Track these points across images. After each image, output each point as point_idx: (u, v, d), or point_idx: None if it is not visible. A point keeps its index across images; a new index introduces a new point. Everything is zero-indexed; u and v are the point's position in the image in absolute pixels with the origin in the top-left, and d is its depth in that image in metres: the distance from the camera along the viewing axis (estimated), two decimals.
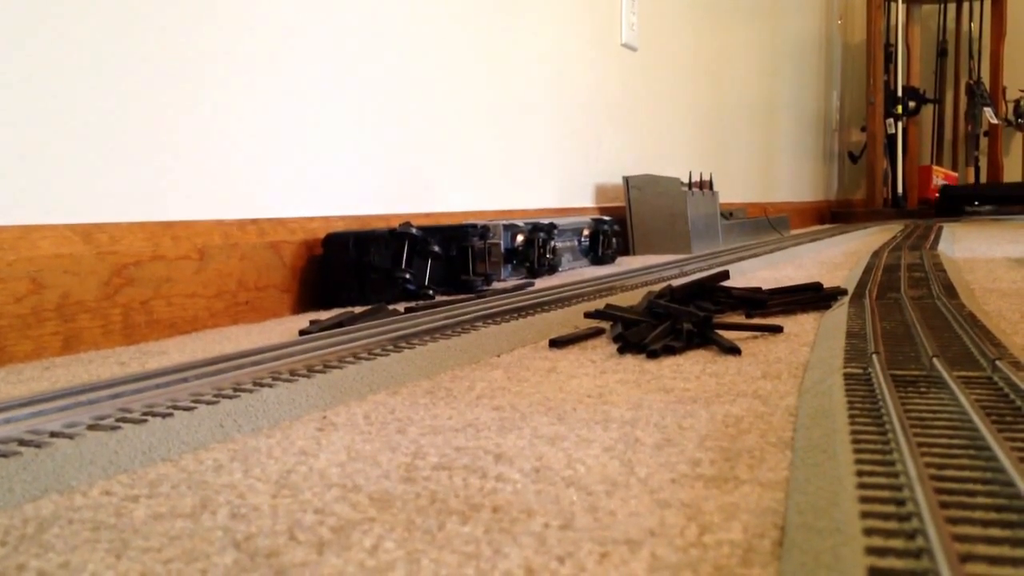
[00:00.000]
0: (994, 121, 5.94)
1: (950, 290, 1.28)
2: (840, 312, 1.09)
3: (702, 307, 1.14)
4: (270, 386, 0.71)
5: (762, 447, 0.59)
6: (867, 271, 1.60)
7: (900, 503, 0.41)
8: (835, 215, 5.83)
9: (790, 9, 5.11)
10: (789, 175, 4.98)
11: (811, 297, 1.27)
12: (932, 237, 2.90)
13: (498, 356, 0.95)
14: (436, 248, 1.46)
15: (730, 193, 3.72)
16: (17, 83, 1.03)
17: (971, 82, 6.10)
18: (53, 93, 1.07)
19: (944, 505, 0.41)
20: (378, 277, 1.42)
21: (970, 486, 0.44)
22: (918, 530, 0.38)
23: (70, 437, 0.57)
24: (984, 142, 6.10)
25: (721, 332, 0.99)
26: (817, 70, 5.78)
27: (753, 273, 1.87)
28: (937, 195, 5.70)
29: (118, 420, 0.61)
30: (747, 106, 4.28)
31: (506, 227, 1.74)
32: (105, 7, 1.13)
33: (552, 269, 1.90)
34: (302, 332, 1.09)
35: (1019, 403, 0.59)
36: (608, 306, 1.12)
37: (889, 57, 6.01)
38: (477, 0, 2.02)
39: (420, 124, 1.80)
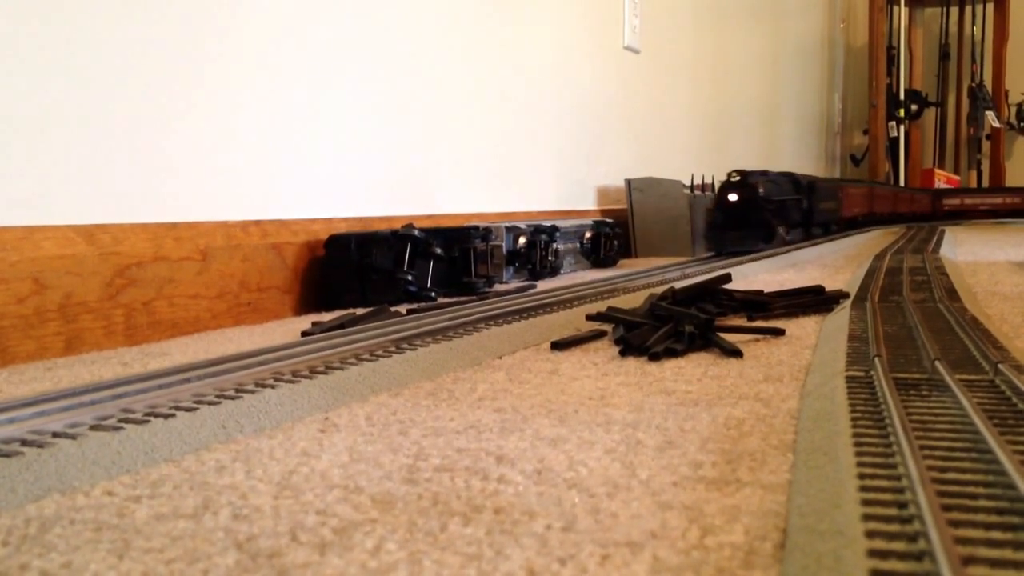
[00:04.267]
0: (996, 124, 5.94)
1: (952, 293, 1.28)
2: (842, 315, 1.09)
3: (704, 310, 1.14)
4: (272, 387, 0.71)
5: (764, 450, 0.59)
6: (869, 274, 1.60)
7: (902, 506, 0.41)
8: None
9: (792, 12, 5.12)
10: None
11: (813, 300, 1.27)
12: (934, 240, 2.89)
13: (500, 358, 0.95)
14: (438, 250, 1.46)
15: None
16: (19, 84, 1.03)
17: (973, 85, 6.10)
18: (56, 94, 1.07)
19: (946, 508, 0.41)
20: (380, 278, 1.42)
21: (972, 489, 0.44)
22: (920, 533, 0.38)
23: (72, 437, 0.57)
24: (986, 145, 6.10)
25: (723, 335, 0.99)
26: (819, 73, 5.78)
27: (755, 276, 1.87)
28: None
29: (120, 420, 0.61)
30: (749, 108, 4.28)
31: (508, 229, 1.74)
32: (107, 8, 1.13)
33: (554, 271, 1.90)
34: (304, 333, 1.09)
35: (1021, 406, 0.59)
36: (610, 308, 1.12)
37: (891, 60, 6.01)
38: (479, 3, 2.02)
39: (422, 126, 1.81)
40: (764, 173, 2.34)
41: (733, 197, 2.19)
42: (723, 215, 2.21)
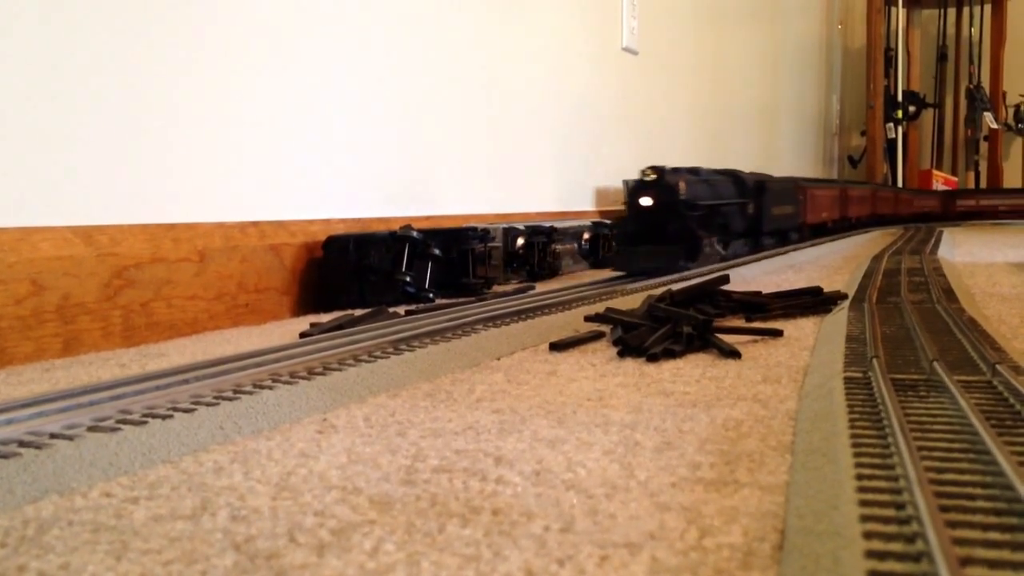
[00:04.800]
0: (994, 126, 5.95)
1: (950, 294, 1.28)
2: (840, 316, 1.09)
3: (702, 311, 1.14)
4: (270, 388, 0.71)
5: (762, 451, 0.59)
6: (867, 276, 1.60)
7: (900, 507, 0.41)
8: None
9: (791, 13, 5.12)
10: None
11: (811, 301, 1.27)
12: (932, 241, 2.90)
13: (498, 359, 0.95)
14: (436, 251, 1.46)
15: None
16: (18, 85, 1.03)
17: (971, 87, 6.11)
18: (54, 96, 1.07)
19: (944, 509, 0.41)
20: (378, 280, 1.42)
21: (970, 490, 0.44)
22: (918, 534, 0.38)
23: (70, 439, 0.57)
24: (984, 146, 6.11)
25: (721, 336, 0.99)
26: (817, 74, 5.79)
27: (753, 277, 1.87)
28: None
29: (118, 422, 0.61)
30: (748, 110, 4.28)
31: (506, 230, 1.74)
32: (106, 10, 1.13)
33: (552, 272, 1.90)
34: (302, 334, 1.08)
35: (1019, 407, 0.59)
36: (608, 309, 1.12)
37: (889, 61, 6.02)
38: (477, 5, 2.02)
39: (421, 127, 1.81)
40: (694, 171, 1.93)
41: (646, 201, 1.73)
42: (634, 225, 1.75)
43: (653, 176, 1.74)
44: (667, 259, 1.68)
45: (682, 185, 1.75)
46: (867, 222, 4.13)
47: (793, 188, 2.69)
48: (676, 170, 1.80)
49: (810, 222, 2.96)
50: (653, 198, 1.72)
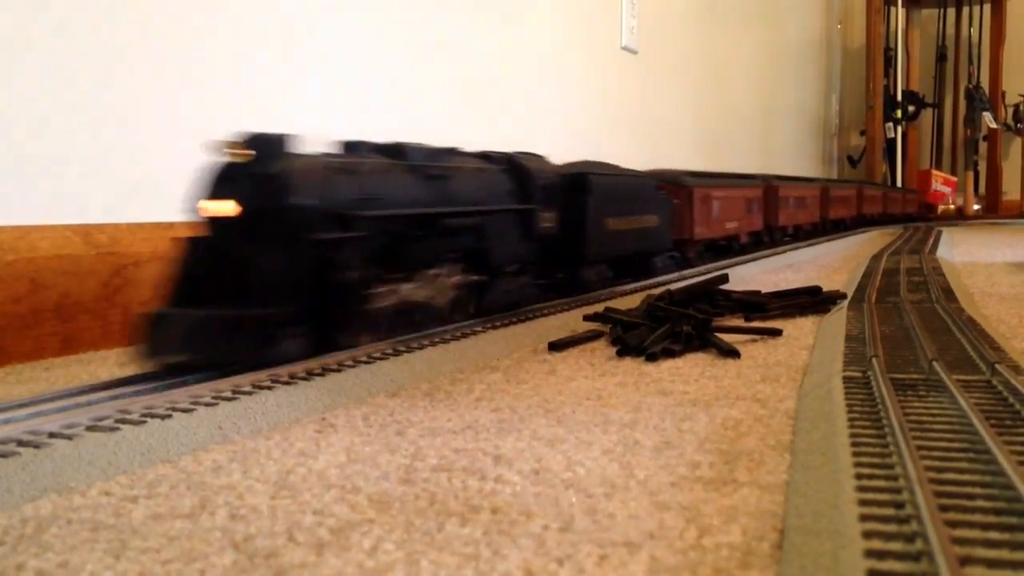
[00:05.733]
0: (993, 126, 5.95)
1: (949, 294, 1.28)
2: (839, 316, 1.09)
3: (701, 310, 1.14)
4: (269, 389, 0.71)
5: (761, 450, 0.59)
6: (866, 275, 1.60)
7: (899, 506, 0.41)
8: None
9: (790, 13, 5.12)
10: None
11: (810, 301, 1.27)
12: (931, 241, 2.90)
13: (497, 359, 0.95)
14: None
15: None
16: (17, 84, 1.03)
17: (970, 87, 6.11)
18: (53, 94, 1.06)
19: (943, 508, 0.41)
20: None
21: (969, 489, 0.44)
22: (917, 533, 0.38)
23: (69, 438, 0.57)
24: (983, 147, 6.11)
25: (720, 335, 0.99)
26: (817, 74, 5.79)
27: (752, 277, 1.87)
28: None
29: (117, 421, 0.61)
30: (747, 109, 4.28)
31: None
32: (104, 11, 1.13)
33: None
34: None
35: (1018, 407, 0.59)
36: (607, 309, 1.12)
37: (889, 61, 6.02)
38: (476, 4, 2.02)
39: (419, 127, 1.81)
40: (395, 149, 1.05)
41: (222, 207, 0.85)
42: (198, 256, 0.87)
43: (248, 155, 0.87)
44: (242, 340, 0.75)
45: (299, 176, 0.85)
46: (813, 231, 3.12)
47: (653, 188, 1.63)
48: (354, 146, 1.02)
49: (701, 238, 1.94)
50: (241, 201, 0.84)
